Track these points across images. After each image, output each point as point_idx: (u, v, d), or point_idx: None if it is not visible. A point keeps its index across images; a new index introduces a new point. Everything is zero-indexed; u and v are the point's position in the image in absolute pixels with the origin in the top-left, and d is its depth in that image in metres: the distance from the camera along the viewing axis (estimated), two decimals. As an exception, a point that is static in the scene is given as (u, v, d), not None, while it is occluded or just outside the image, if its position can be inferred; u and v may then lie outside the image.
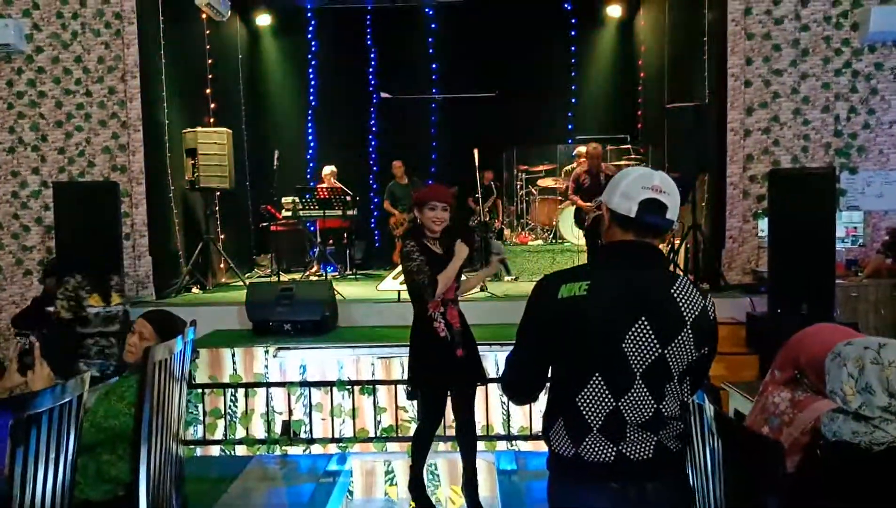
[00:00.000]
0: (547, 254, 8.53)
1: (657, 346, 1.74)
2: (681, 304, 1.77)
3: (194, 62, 8.17)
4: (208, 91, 8.42)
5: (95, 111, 7.14)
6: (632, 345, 1.74)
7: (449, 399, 3.81)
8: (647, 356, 1.74)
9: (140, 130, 7.07)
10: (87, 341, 4.72)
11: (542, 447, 4.95)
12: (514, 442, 4.95)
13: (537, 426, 4.90)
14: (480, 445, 4.91)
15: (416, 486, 3.86)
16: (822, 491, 1.69)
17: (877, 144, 6.93)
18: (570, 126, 10.33)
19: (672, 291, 1.78)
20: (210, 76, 8.45)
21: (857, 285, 6.35)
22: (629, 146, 9.27)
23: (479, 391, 4.87)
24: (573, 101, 10.43)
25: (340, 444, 4.92)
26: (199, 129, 7.49)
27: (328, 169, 8.84)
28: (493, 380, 4.96)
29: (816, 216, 5.40)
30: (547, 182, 9.36)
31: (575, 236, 8.33)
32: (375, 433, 4.91)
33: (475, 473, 3.85)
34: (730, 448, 1.79)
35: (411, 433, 4.84)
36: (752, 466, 1.65)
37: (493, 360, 5.10)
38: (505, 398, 4.94)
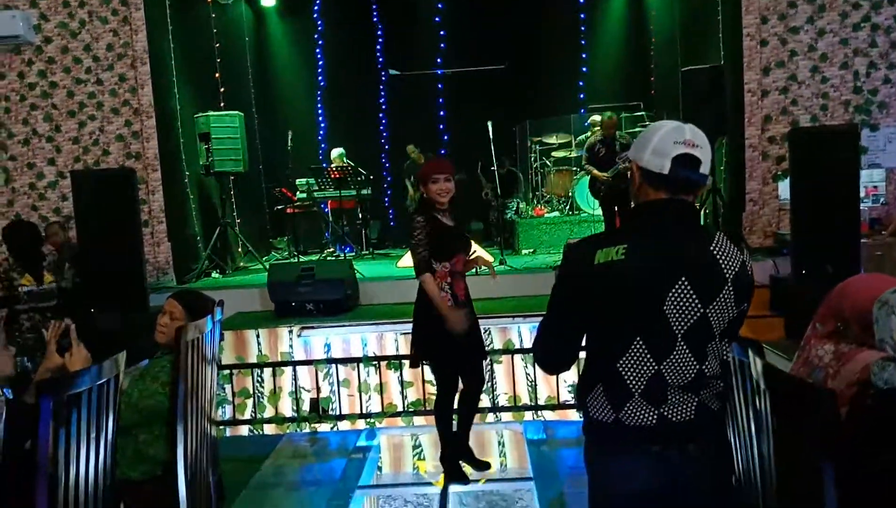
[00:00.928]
0: (564, 226, 8.49)
1: (699, 306, 1.71)
2: (721, 261, 1.73)
3: (202, 46, 8.14)
4: (217, 75, 8.39)
5: (107, 99, 7.14)
6: (673, 306, 1.71)
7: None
8: (689, 316, 1.71)
9: (153, 116, 7.08)
10: (21, 316, 4.95)
11: (568, 416, 4.97)
12: (540, 413, 4.95)
13: (564, 396, 4.91)
14: (507, 416, 4.95)
15: (448, 457, 3.89)
16: (874, 441, 1.67)
17: (898, 99, 6.81)
18: (582, 95, 10.21)
19: (711, 247, 1.74)
20: (218, 60, 8.41)
21: (881, 243, 6.27)
22: (643, 113, 9.16)
23: (506, 361, 4.92)
24: (584, 70, 10.30)
25: (368, 420, 4.94)
26: (210, 113, 7.47)
27: (336, 152, 8.82)
28: (518, 351, 4.97)
29: (839, 175, 5.32)
30: (561, 153, 9.29)
31: (591, 206, 8.28)
32: (403, 407, 4.94)
33: (467, 438, 3.93)
34: (779, 401, 1.77)
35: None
36: (804, 417, 1.63)
37: (517, 332, 5.10)
38: (530, 369, 4.95)
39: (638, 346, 1.74)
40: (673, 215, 1.77)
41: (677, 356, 1.73)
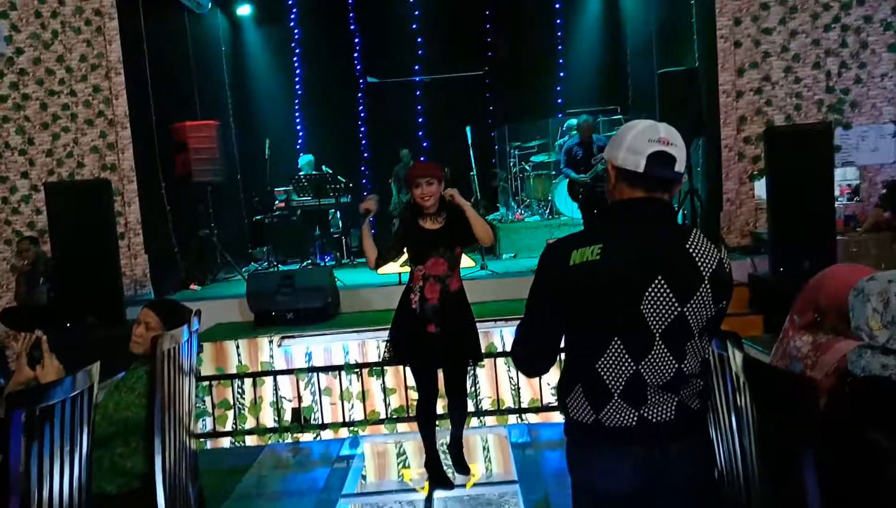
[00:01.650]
0: (544, 229, 8.50)
1: (676, 304, 1.70)
2: (697, 259, 1.72)
3: (177, 56, 8.07)
4: (193, 85, 8.32)
5: (81, 110, 7.05)
6: (650, 306, 1.70)
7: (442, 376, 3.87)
8: (667, 315, 1.70)
9: (128, 127, 7.00)
10: None
11: (552, 418, 4.96)
12: (524, 416, 4.94)
13: (547, 399, 4.90)
14: (491, 420, 4.93)
15: (430, 462, 3.87)
16: (854, 429, 1.68)
17: (869, 98, 6.91)
18: (559, 100, 10.26)
19: (687, 246, 1.73)
20: (194, 69, 8.34)
21: (856, 239, 6.35)
22: (620, 117, 9.22)
23: (488, 365, 4.89)
24: (561, 74, 10.36)
25: (351, 428, 4.90)
26: (187, 123, 7.40)
27: (304, 159, 8.79)
28: (500, 355, 4.96)
29: (814, 172, 5.39)
30: (540, 158, 9.32)
31: (570, 209, 8.31)
32: (386, 415, 4.90)
33: (461, 439, 3.96)
34: (759, 393, 1.77)
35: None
36: (785, 408, 1.63)
37: (499, 335, 5.09)
38: (513, 373, 4.94)
39: (616, 346, 1.72)
40: (648, 214, 1.76)
41: (656, 356, 1.72)
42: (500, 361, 4.94)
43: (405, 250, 3.76)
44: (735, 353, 1.86)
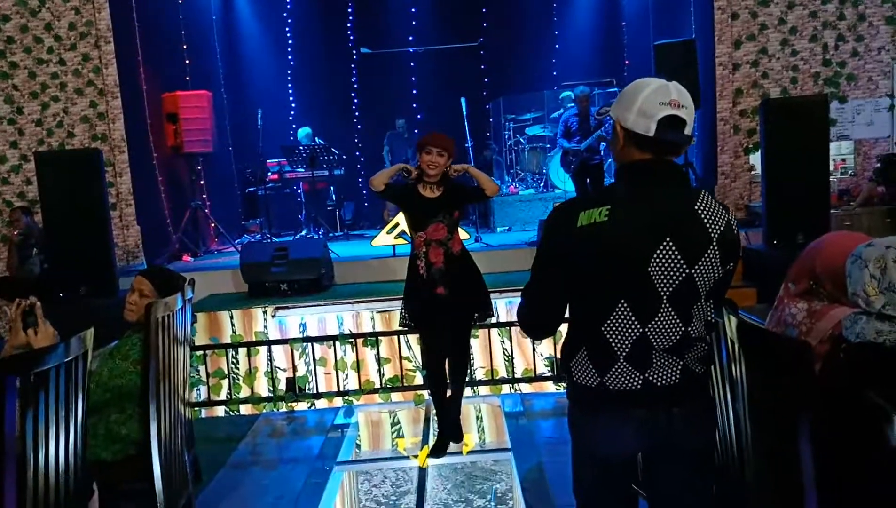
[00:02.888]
0: (538, 203, 8.48)
1: (684, 266, 1.69)
2: (705, 220, 1.71)
3: (167, 24, 7.94)
4: (184, 54, 8.20)
5: (71, 80, 6.95)
6: (658, 267, 1.68)
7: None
8: (674, 277, 1.69)
9: (118, 96, 6.91)
10: None
11: (545, 388, 4.99)
12: (517, 386, 4.97)
13: (540, 369, 4.93)
14: (485, 390, 4.96)
15: (439, 426, 3.96)
16: (848, 395, 1.69)
17: (866, 71, 6.89)
18: (555, 72, 10.18)
19: (696, 207, 1.71)
20: (185, 38, 8.22)
21: (850, 213, 6.37)
22: (616, 89, 9.16)
23: (482, 336, 4.91)
24: (557, 46, 10.26)
25: (346, 397, 4.92)
26: (178, 93, 7.31)
27: (304, 132, 8.72)
28: (495, 325, 4.97)
29: (810, 145, 5.38)
30: (535, 130, 9.27)
31: (562, 181, 8.29)
32: (381, 384, 4.92)
33: (459, 403, 4.00)
34: (754, 358, 1.78)
35: (416, 382, 4.87)
36: (780, 373, 1.64)
37: (493, 307, 5.09)
38: (507, 343, 4.95)
39: (622, 308, 1.72)
40: (657, 176, 1.74)
41: (662, 318, 1.71)
42: (494, 332, 4.96)
43: (404, 214, 3.87)
44: (730, 318, 1.86)
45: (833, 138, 6.83)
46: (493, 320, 5.00)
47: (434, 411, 4.24)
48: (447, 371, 3.91)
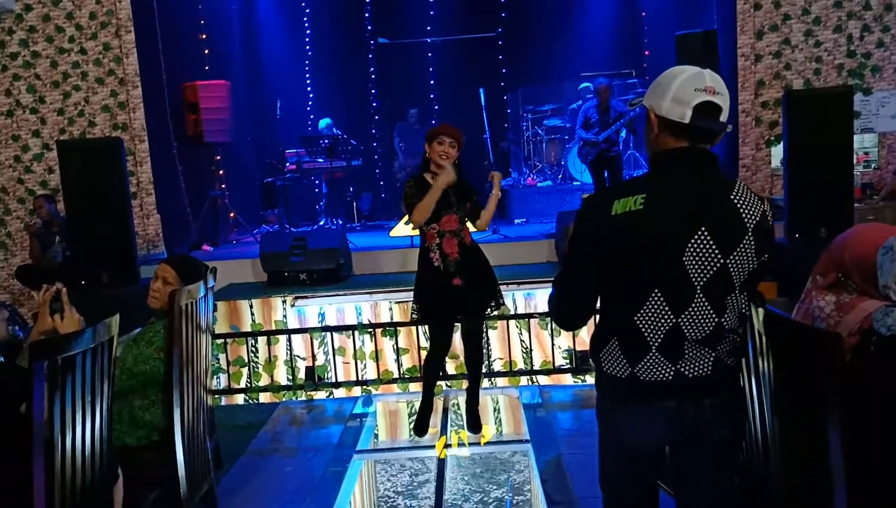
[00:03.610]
0: (556, 195, 8.45)
1: (719, 256, 1.67)
2: (741, 210, 1.69)
3: (187, 14, 7.97)
4: (204, 44, 8.23)
5: (92, 69, 7.00)
6: (692, 257, 1.67)
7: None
8: (709, 267, 1.68)
9: (139, 86, 6.95)
10: None
11: (563, 380, 4.98)
12: (535, 378, 4.97)
13: (559, 362, 4.92)
14: (502, 381, 4.96)
15: (422, 409, 4.02)
16: (878, 388, 1.67)
17: (891, 62, 6.78)
18: (573, 63, 10.10)
19: (732, 197, 1.70)
20: (204, 28, 8.25)
21: (873, 207, 6.29)
22: (636, 80, 9.09)
23: (501, 327, 4.91)
24: (576, 37, 10.17)
25: (364, 387, 4.94)
26: (198, 82, 7.35)
27: (324, 122, 8.73)
28: (513, 317, 4.97)
29: (833, 137, 5.30)
30: (554, 122, 9.22)
31: (579, 172, 8.25)
32: (399, 374, 4.93)
33: (478, 394, 4.04)
34: (782, 350, 1.76)
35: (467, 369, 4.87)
36: (809, 365, 1.62)
37: (511, 299, 5.09)
38: (525, 335, 4.95)
39: (656, 298, 1.70)
40: (693, 164, 1.72)
41: (696, 309, 1.70)
42: (513, 323, 4.95)
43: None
44: (758, 310, 1.85)
45: (856, 131, 6.73)
46: (511, 311, 5.03)
47: (452, 401, 4.26)
48: (465, 363, 3.93)
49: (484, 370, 4.94)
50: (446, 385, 4.87)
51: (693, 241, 1.67)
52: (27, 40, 6.97)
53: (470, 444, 3.91)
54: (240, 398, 5.01)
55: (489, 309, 3.92)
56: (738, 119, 6.85)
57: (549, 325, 4.93)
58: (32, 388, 2.09)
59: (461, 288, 3.70)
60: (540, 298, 5.02)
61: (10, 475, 2.13)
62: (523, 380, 4.95)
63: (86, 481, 2.36)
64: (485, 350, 4.92)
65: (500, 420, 4.76)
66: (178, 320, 2.84)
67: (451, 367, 4.87)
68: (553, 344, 4.91)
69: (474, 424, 4.02)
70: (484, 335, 4.01)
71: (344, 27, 10.12)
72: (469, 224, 3.84)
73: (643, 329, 1.72)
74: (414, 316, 3.94)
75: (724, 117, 1.71)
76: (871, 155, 7.04)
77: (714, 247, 1.67)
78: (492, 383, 4.97)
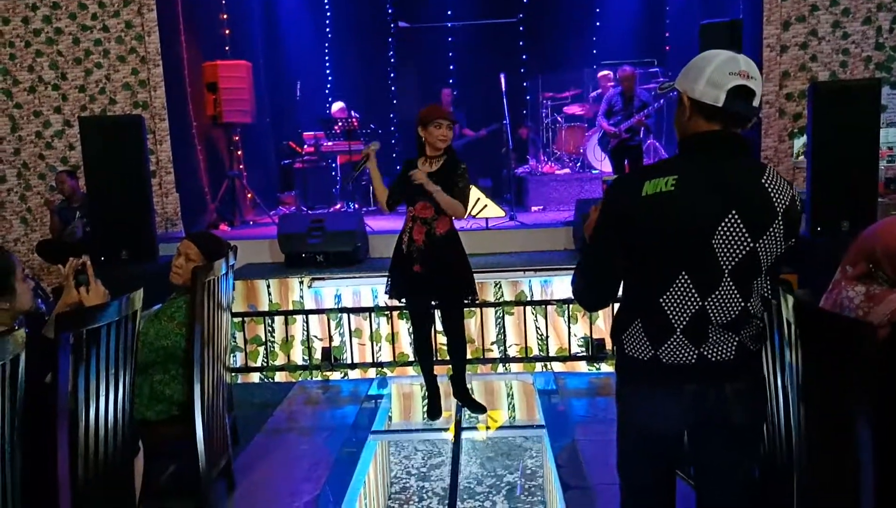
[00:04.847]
0: (574, 183, 8.40)
1: (748, 240, 1.67)
2: (772, 193, 1.69)
3: (208, -6, 7.98)
4: (224, 24, 8.23)
5: (113, 47, 7.01)
6: (722, 240, 1.67)
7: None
8: (738, 250, 1.67)
9: (160, 64, 6.96)
10: None
11: (577, 367, 4.97)
12: (549, 364, 4.97)
13: (574, 349, 4.91)
14: (517, 367, 4.96)
15: (429, 393, 4.13)
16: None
17: (920, 56, 6.66)
18: (595, 50, 10.02)
19: (763, 180, 1.70)
20: (225, 8, 8.24)
21: (896, 202, 6.20)
22: (657, 69, 9.00)
23: (517, 313, 4.91)
24: (598, 24, 10.09)
25: (380, 369, 4.96)
26: (219, 62, 7.35)
27: (337, 106, 8.70)
28: (529, 303, 4.96)
29: (859, 130, 5.22)
30: (573, 109, 9.16)
31: (598, 160, 8.19)
32: (414, 357, 4.94)
33: (463, 379, 4.12)
34: (811, 339, 1.74)
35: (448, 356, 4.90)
36: (840, 353, 1.61)
37: (528, 286, 5.08)
38: (541, 322, 4.94)
39: (683, 281, 1.70)
40: (725, 148, 1.72)
41: (722, 292, 1.70)
42: (528, 310, 4.95)
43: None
44: (787, 298, 1.83)
45: (883, 125, 6.62)
46: (528, 297, 5.02)
47: (467, 385, 4.26)
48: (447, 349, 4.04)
49: (499, 356, 4.96)
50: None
51: (723, 224, 1.67)
52: (50, 17, 7.00)
53: (484, 428, 3.92)
54: (255, 377, 5.05)
55: (466, 302, 3.99)
56: (762, 110, 6.76)
57: (566, 312, 4.92)
58: (58, 359, 2.12)
59: (423, 276, 3.76)
60: (556, 285, 5.00)
61: (35, 445, 2.16)
62: (538, 366, 4.95)
63: (108, 452, 2.39)
64: (499, 337, 4.93)
65: (513, 406, 4.77)
66: (200, 296, 2.85)
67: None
68: (569, 331, 4.90)
69: (473, 406, 4.08)
70: (462, 322, 4.06)
71: (364, 10, 10.09)
72: (446, 215, 3.82)
73: (668, 312, 1.72)
74: (385, 291, 4.02)
75: (756, 102, 1.72)
76: (895, 149, 6.93)
77: (744, 230, 1.67)
78: (506, 368, 4.98)
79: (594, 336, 4.88)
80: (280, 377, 5.02)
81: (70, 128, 7.01)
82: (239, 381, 4.99)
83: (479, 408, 4.08)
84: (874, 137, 5.31)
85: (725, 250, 1.68)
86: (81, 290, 2.44)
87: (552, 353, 4.94)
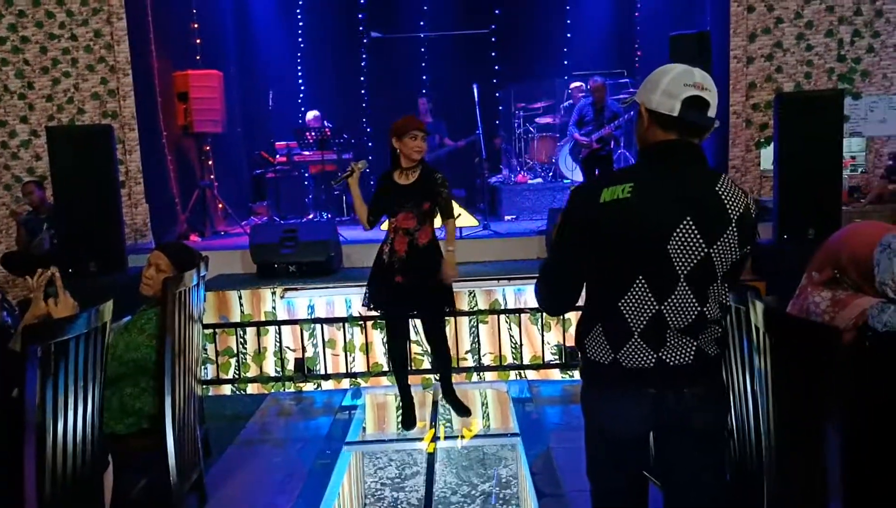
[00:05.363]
0: (547, 192, 8.46)
1: (703, 245, 1.72)
2: (726, 201, 1.74)
3: (179, 3, 7.90)
4: (196, 33, 8.17)
5: (82, 56, 6.92)
6: (677, 245, 1.71)
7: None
8: (693, 256, 1.72)
9: (129, 74, 6.89)
10: None
11: (551, 375, 5.00)
12: (524, 372, 4.98)
13: (548, 357, 4.94)
14: (492, 375, 4.97)
15: (403, 404, 4.11)
16: (873, 384, 1.69)
17: (881, 68, 6.85)
18: (566, 61, 10.13)
19: (717, 188, 1.75)
20: (196, 17, 8.18)
21: (860, 210, 6.35)
22: (627, 80, 9.13)
23: (491, 322, 4.92)
24: (569, 35, 10.21)
25: (353, 379, 4.94)
26: (189, 72, 7.29)
27: (312, 114, 8.68)
28: (502, 311, 4.98)
29: (823, 140, 5.36)
30: (546, 119, 9.24)
31: (570, 170, 8.27)
32: (388, 367, 4.92)
33: (450, 383, 4.13)
34: (780, 344, 1.78)
35: (424, 366, 4.89)
36: (808, 358, 1.64)
37: (502, 294, 5.10)
38: (514, 330, 4.96)
39: (640, 285, 1.74)
40: (680, 156, 1.77)
41: (679, 297, 1.74)
42: (502, 318, 4.96)
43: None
44: (756, 304, 1.87)
45: (845, 135, 6.79)
46: (502, 306, 5.04)
47: (440, 395, 4.27)
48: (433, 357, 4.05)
49: (473, 364, 4.96)
50: (435, 379, 4.87)
51: (678, 230, 1.71)
52: (16, 25, 6.89)
53: (458, 437, 3.93)
54: (227, 389, 4.99)
55: (446, 312, 4.00)
56: (729, 121, 6.90)
57: (540, 320, 4.95)
58: (25, 372, 2.07)
59: (404, 286, 3.76)
60: (530, 294, 5.03)
61: (1, 460, 2.11)
62: (512, 375, 4.97)
63: (76, 467, 2.34)
64: (473, 346, 4.94)
65: (488, 415, 4.77)
66: (171, 307, 2.82)
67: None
68: (543, 339, 4.93)
69: (459, 409, 4.08)
70: (444, 329, 4.05)
71: (337, 20, 10.08)
72: (428, 225, 3.82)
73: (627, 316, 1.76)
74: (363, 302, 4.01)
75: (712, 113, 1.77)
76: (859, 159, 7.11)
77: (698, 236, 1.71)
78: (480, 377, 4.98)
79: (567, 344, 4.91)
80: (252, 388, 4.97)
81: (37, 138, 6.90)
82: (210, 393, 4.92)
83: (465, 411, 4.09)
84: (838, 147, 5.45)
85: (680, 255, 1.72)
86: (50, 302, 2.40)
87: (526, 361, 4.96)
